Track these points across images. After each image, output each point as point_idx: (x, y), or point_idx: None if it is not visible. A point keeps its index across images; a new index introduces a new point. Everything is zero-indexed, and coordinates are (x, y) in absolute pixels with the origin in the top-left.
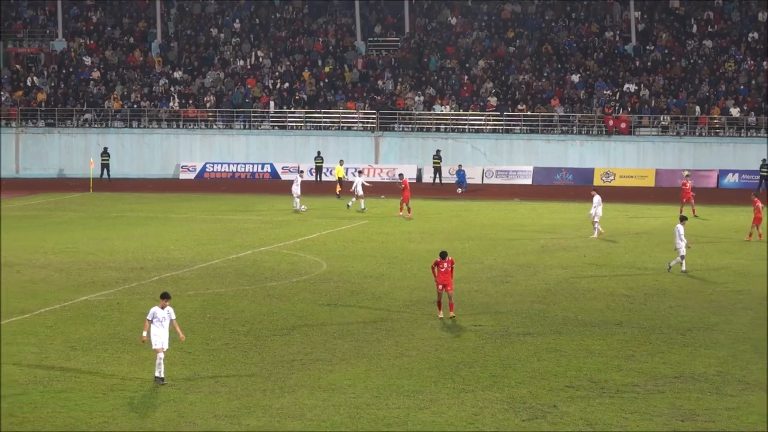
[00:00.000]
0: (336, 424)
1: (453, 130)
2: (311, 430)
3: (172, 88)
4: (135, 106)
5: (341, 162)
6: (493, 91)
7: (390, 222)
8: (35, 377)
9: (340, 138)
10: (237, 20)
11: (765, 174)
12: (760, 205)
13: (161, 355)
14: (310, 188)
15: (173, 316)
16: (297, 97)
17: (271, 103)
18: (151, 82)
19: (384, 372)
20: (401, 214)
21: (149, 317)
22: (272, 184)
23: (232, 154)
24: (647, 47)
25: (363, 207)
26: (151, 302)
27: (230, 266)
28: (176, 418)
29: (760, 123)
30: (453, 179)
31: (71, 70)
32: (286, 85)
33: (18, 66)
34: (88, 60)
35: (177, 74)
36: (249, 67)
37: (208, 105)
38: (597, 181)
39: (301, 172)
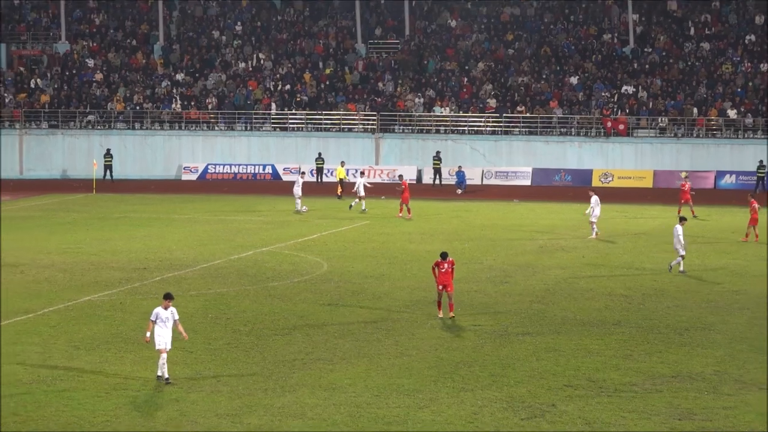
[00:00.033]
0: (336, 423)
1: (453, 132)
2: (312, 428)
3: (174, 90)
4: (137, 107)
5: (342, 163)
6: (493, 92)
7: (390, 223)
8: (39, 376)
9: (341, 139)
10: (238, 23)
11: (762, 175)
12: (756, 206)
13: (164, 355)
14: (311, 189)
15: (176, 317)
16: (298, 99)
17: (273, 105)
18: (154, 84)
19: (384, 371)
20: (401, 215)
21: (152, 318)
22: (273, 185)
23: (233, 155)
24: (645, 49)
25: (364, 208)
26: (154, 302)
27: (232, 266)
28: (178, 417)
29: (757, 124)
30: (453, 180)
31: (74, 72)
32: (288, 87)
33: (21, 68)
34: (91, 62)
35: (179, 76)
36: (250, 69)
37: (210, 107)
38: (595, 182)
39: (303, 173)
